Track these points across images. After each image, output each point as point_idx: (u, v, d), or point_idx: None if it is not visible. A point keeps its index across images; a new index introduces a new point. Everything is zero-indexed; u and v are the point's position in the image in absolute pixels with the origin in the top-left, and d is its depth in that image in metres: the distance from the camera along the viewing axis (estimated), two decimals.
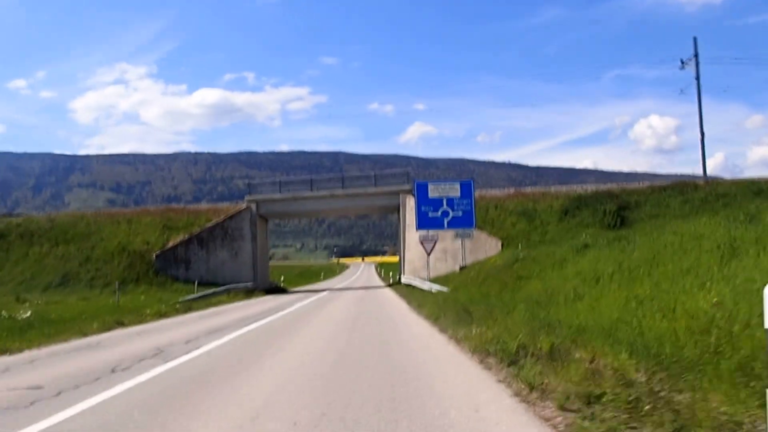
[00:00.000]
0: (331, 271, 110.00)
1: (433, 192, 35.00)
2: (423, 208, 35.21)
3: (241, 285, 38.75)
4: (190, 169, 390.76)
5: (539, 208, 39.26)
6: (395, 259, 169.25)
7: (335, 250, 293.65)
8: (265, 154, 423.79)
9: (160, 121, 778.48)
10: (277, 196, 43.31)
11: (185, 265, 40.62)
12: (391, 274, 53.03)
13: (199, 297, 30.86)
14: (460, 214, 35.00)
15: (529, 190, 43.22)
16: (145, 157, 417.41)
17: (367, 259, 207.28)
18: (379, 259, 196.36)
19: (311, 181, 42.93)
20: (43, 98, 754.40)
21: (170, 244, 40.82)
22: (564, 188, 41.70)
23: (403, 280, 40.43)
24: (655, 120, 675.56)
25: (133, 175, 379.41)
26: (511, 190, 42.94)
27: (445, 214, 35.10)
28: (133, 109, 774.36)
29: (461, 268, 34.97)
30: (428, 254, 34.85)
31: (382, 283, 53.60)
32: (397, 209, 43.56)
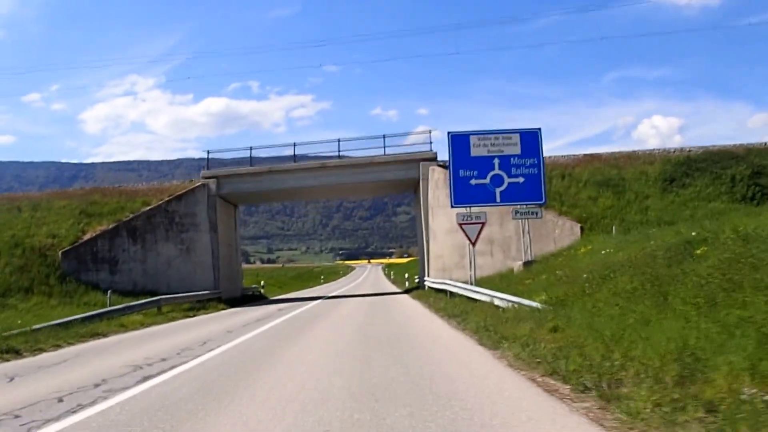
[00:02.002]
0: (334, 273, 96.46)
1: (477, 147, 21.38)
2: (462, 173, 21.59)
3: (192, 294, 25.23)
4: (194, 175, 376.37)
5: (627, 176, 25.71)
6: (402, 260, 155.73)
7: (340, 252, 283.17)
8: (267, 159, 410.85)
9: (166, 129, 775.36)
10: (246, 169, 29.72)
11: (110, 267, 27.06)
12: (407, 275, 39.29)
13: (95, 315, 17.34)
14: (520, 180, 21.37)
15: (605, 152, 29.41)
16: (149, 163, 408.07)
17: (373, 261, 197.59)
18: (385, 260, 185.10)
19: (294, 148, 29.40)
20: (55, 110, 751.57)
21: (87, 236, 27.23)
22: (657, 150, 28.05)
23: (428, 283, 26.90)
24: (658, 120, 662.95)
25: (136, 182, 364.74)
26: (580, 154, 29.19)
27: (497, 181, 21.46)
28: (140, 119, 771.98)
29: (526, 264, 21.26)
30: (472, 244, 21.32)
31: (394, 288, 40.08)
32: (415, 185, 29.93)
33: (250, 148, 29.82)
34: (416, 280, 35.66)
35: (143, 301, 21.04)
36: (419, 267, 33.58)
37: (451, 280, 23.75)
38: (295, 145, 29.33)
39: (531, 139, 21.36)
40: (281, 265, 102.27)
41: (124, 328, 16.75)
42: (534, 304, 12.05)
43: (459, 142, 21.44)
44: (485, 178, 21.45)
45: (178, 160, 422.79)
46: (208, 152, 30.19)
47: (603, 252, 16.99)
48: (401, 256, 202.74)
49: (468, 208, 21.65)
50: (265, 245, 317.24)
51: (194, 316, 21.75)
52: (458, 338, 10.47)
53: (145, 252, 28.13)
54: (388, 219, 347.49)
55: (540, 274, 18.75)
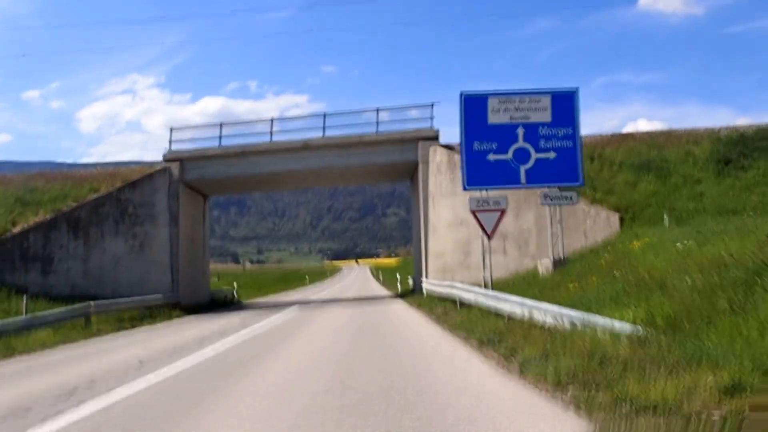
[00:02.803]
0: (321, 274, 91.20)
1: (497, 113, 16.41)
2: (477, 147, 16.63)
3: (136, 300, 20.14)
4: None
5: (672, 157, 20.89)
6: (390, 260, 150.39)
7: (328, 253, 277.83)
8: None
9: (161, 129, 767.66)
10: (215, 149, 24.56)
11: (42, 266, 21.89)
12: (398, 277, 34.11)
13: None
14: (551, 156, 16.48)
15: (643, 129, 24.47)
16: (142, 164, 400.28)
17: (360, 261, 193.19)
18: (373, 261, 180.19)
19: (271, 125, 24.22)
20: (53, 108, 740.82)
21: (16, 229, 22.00)
22: (701, 128, 23.17)
23: (427, 286, 21.98)
24: (642, 124, 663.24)
25: None
26: (608, 134, 24.25)
27: (522, 156, 16.55)
28: (136, 118, 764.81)
29: (558, 264, 16.31)
30: (488, 237, 16.37)
31: (384, 291, 35.02)
32: (412, 170, 24.97)
33: (220, 125, 24.64)
34: (410, 283, 30.63)
35: (60, 310, 15.83)
36: (414, 267, 28.60)
37: (461, 284, 18.83)
38: (272, 120, 24.26)
39: (565, 102, 16.45)
40: (243, 268, 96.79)
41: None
42: (626, 326, 7.12)
43: (474, 105, 16.48)
44: (506, 152, 16.53)
45: None
46: (171, 129, 24.93)
47: (678, 246, 12.08)
48: (389, 257, 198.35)
49: (483, 192, 16.70)
50: (255, 246, 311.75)
51: (131, 328, 16.64)
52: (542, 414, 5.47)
53: (88, 248, 22.91)
54: (377, 220, 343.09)
55: (584, 276, 13.83)
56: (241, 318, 18.53)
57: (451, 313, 14.54)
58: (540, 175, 16.49)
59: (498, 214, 16.24)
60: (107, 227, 23.31)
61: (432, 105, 23.56)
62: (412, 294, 25.00)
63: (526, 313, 10.80)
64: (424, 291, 22.90)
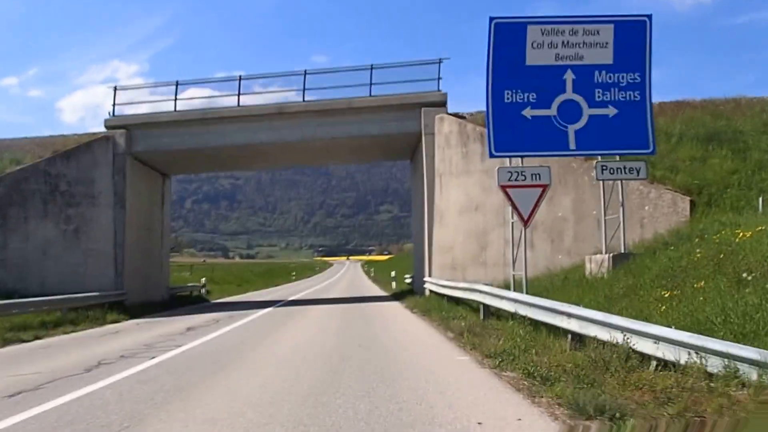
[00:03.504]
0: (309, 270, 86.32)
1: (538, 50, 11.67)
2: (509, 97, 11.86)
3: (59, 298, 15.36)
4: None
5: (745, 128, 16.30)
6: (382, 257, 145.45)
7: (319, 249, 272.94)
8: None
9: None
10: (170, 114, 19.69)
11: None
12: (393, 274, 28.99)
13: None
14: (611, 113, 11.78)
15: (697, 98, 19.75)
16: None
17: (352, 258, 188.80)
18: (364, 258, 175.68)
19: (239, 84, 19.33)
20: (32, 97, 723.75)
21: None
22: None
23: (431, 285, 17.53)
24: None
25: None
26: (656, 102, 19.62)
27: (571, 112, 11.83)
28: (120, 111, 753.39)
29: (619, 260, 11.53)
30: (524, 223, 11.72)
31: (377, 290, 30.05)
32: (414, 143, 20.28)
33: (176, 83, 19.74)
34: (407, 281, 25.91)
35: None
36: (414, 263, 23.86)
37: (465, 282, 14.24)
38: (240, 79, 19.39)
39: (633, 37, 11.74)
40: (202, 260, 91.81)
41: None
42: None
43: (506, 37, 11.74)
44: (549, 106, 11.84)
45: None
46: (116, 88, 19.98)
47: None
48: (381, 254, 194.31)
49: (516, 161, 12.04)
50: (245, 241, 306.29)
51: (41, 339, 11.88)
52: None
53: (5, 234, 18.10)
54: (370, 217, 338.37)
55: (676, 279, 9.18)
56: (188, 327, 13.78)
57: (476, 329, 9.83)
58: (595, 139, 11.79)
59: (538, 191, 11.61)
60: (32, 208, 18.47)
61: (440, 62, 18.82)
62: (411, 295, 20.29)
63: (619, 338, 6.21)
64: (427, 291, 18.25)
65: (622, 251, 12.05)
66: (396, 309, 16.69)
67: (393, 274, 28.34)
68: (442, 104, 18.86)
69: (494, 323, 10.43)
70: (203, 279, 27.13)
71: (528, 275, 15.23)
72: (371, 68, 18.80)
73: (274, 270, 67.48)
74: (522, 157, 12.02)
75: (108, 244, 19.04)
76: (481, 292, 11.61)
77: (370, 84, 19.00)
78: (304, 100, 19.11)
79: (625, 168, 11.86)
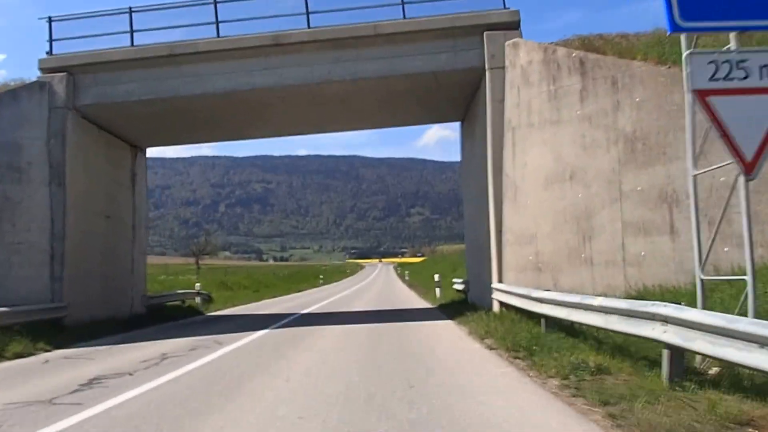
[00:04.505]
0: (340, 273, 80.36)
1: None
2: None
3: None
4: (209, 173, 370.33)
5: None
6: (416, 259, 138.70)
7: (352, 251, 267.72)
8: (281, 157, 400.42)
9: None
10: (126, 50, 13.68)
11: None
12: (437, 278, 22.15)
13: None
14: None
15: None
16: (163, 161, 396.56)
17: (384, 260, 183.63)
18: (397, 260, 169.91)
19: (215, 7, 13.19)
20: None
21: None
22: None
23: (503, 296, 11.05)
24: None
25: (152, 179, 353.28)
26: None
27: None
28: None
29: None
30: (747, 170, 4.95)
31: (415, 299, 23.42)
32: (471, 86, 13.85)
33: (130, 10, 13.66)
34: (458, 286, 19.50)
35: None
36: (468, 264, 17.40)
37: (555, 291, 8.08)
38: (217, 1, 13.26)
39: None
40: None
41: None
42: None
43: None
44: None
45: (192, 157, 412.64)
46: (50, 20, 14.02)
47: None
48: (414, 256, 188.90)
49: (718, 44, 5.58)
50: (279, 243, 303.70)
51: None
52: None
53: None
54: (402, 220, 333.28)
55: None
56: (101, 372, 7.69)
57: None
58: None
59: None
60: None
61: None
62: (468, 308, 13.90)
63: None
64: (495, 304, 11.92)
65: None
66: (453, 336, 10.30)
67: (437, 278, 21.87)
68: (513, 26, 12.50)
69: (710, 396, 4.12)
70: (198, 285, 21.17)
71: (661, 279, 8.93)
72: None
73: (301, 273, 61.67)
74: (735, 30, 5.64)
75: (42, 235, 13.20)
76: (681, 323, 5.11)
77: (402, 4, 12.78)
78: (309, 26, 12.93)
79: None
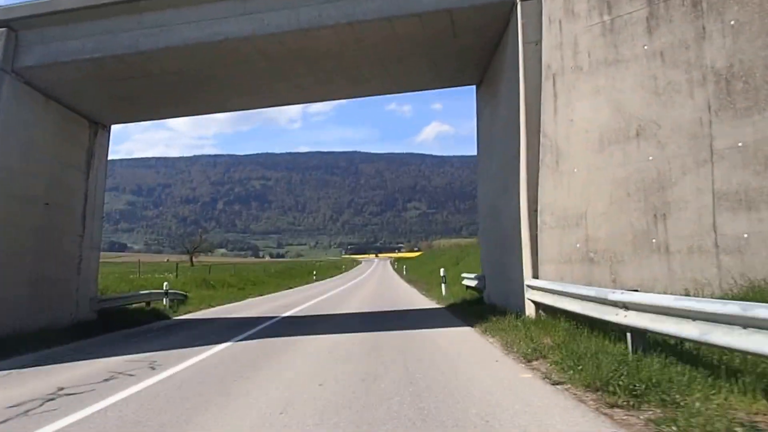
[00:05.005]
0: (335, 269, 77.22)
1: None
2: None
3: None
4: (209, 171, 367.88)
5: None
6: (411, 254, 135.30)
7: (348, 247, 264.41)
8: (281, 155, 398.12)
9: (184, 126, 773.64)
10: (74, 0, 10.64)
11: None
12: (443, 273, 18.96)
13: None
14: None
15: None
16: (166, 160, 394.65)
17: (381, 255, 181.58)
18: (394, 255, 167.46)
19: None
20: None
21: None
22: None
23: (544, 296, 7.91)
24: None
25: (153, 178, 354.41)
26: None
27: None
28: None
29: None
30: None
31: (419, 297, 20.19)
32: (493, 33, 10.74)
33: None
34: (468, 282, 16.44)
35: None
36: (484, 255, 14.26)
37: (615, 288, 5.16)
38: None
39: None
40: (166, 259, 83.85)
41: None
42: None
43: None
44: None
45: (194, 156, 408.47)
46: None
47: None
48: (411, 251, 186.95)
49: None
50: (275, 240, 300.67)
51: None
52: None
53: None
54: (398, 215, 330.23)
55: None
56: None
57: None
58: None
59: None
60: None
61: None
62: (486, 311, 10.88)
63: None
64: (528, 307, 8.92)
65: None
66: (484, 355, 7.20)
67: (442, 272, 18.78)
68: None
69: None
70: (166, 284, 18.04)
71: None
72: None
73: (294, 269, 58.52)
74: None
75: None
76: None
77: None
78: None
79: None
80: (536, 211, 9.08)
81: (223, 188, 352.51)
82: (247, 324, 12.70)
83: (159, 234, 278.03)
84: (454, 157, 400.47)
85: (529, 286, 8.94)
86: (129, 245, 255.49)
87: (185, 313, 17.22)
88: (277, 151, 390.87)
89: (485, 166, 12.97)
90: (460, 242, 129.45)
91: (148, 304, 17.28)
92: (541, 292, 8.52)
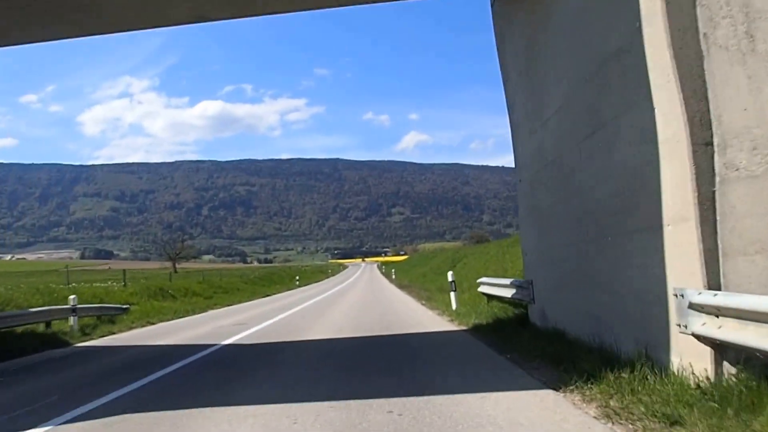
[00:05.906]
0: (320, 273, 71.85)
1: None
2: None
3: None
4: (192, 177, 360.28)
5: None
6: (398, 258, 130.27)
7: (335, 252, 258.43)
8: (264, 161, 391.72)
9: (164, 132, 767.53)
10: None
11: None
12: (451, 277, 14.21)
13: None
14: None
15: None
16: (149, 166, 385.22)
17: (367, 259, 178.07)
18: (380, 259, 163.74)
19: None
20: (53, 112, 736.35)
21: None
22: None
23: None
24: None
25: (137, 184, 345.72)
26: None
27: None
28: (138, 122, 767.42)
29: None
30: None
31: (417, 309, 15.21)
32: None
33: None
34: (494, 291, 11.41)
35: None
36: (548, 246, 9.16)
37: None
38: None
39: None
40: (107, 267, 78.46)
41: None
42: None
43: None
44: None
45: (177, 162, 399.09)
46: None
47: None
48: (396, 254, 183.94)
49: None
50: (262, 245, 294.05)
51: None
52: None
53: None
54: (383, 219, 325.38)
55: None
56: None
57: None
58: None
59: None
60: None
61: None
62: (545, 342, 5.95)
63: None
64: (674, 349, 3.83)
65: None
66: None
67: (451, 277, 13.71)
68: None
69: None
70: (72, 297, 12.66)
71: None
72: None
73: (277, 275, 53.23)
74: None
75: None
76: None
77: None
78: None
79: None
80: (710, 143, 4.14)
81: (207, 194, 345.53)
82: (161, 360, 7.65)
83: (145, 241, 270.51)
84: (435, 165, 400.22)
85: (696, 305, 4.00)
86: (116, 252, 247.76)
87: (103, 336, 12.09)
88: (259, 157, 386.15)
89: (529, 110, 7.98)
90: (444, 245, 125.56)
91: (48, 324, 12.12)
92: (736, 322, 3.61)
